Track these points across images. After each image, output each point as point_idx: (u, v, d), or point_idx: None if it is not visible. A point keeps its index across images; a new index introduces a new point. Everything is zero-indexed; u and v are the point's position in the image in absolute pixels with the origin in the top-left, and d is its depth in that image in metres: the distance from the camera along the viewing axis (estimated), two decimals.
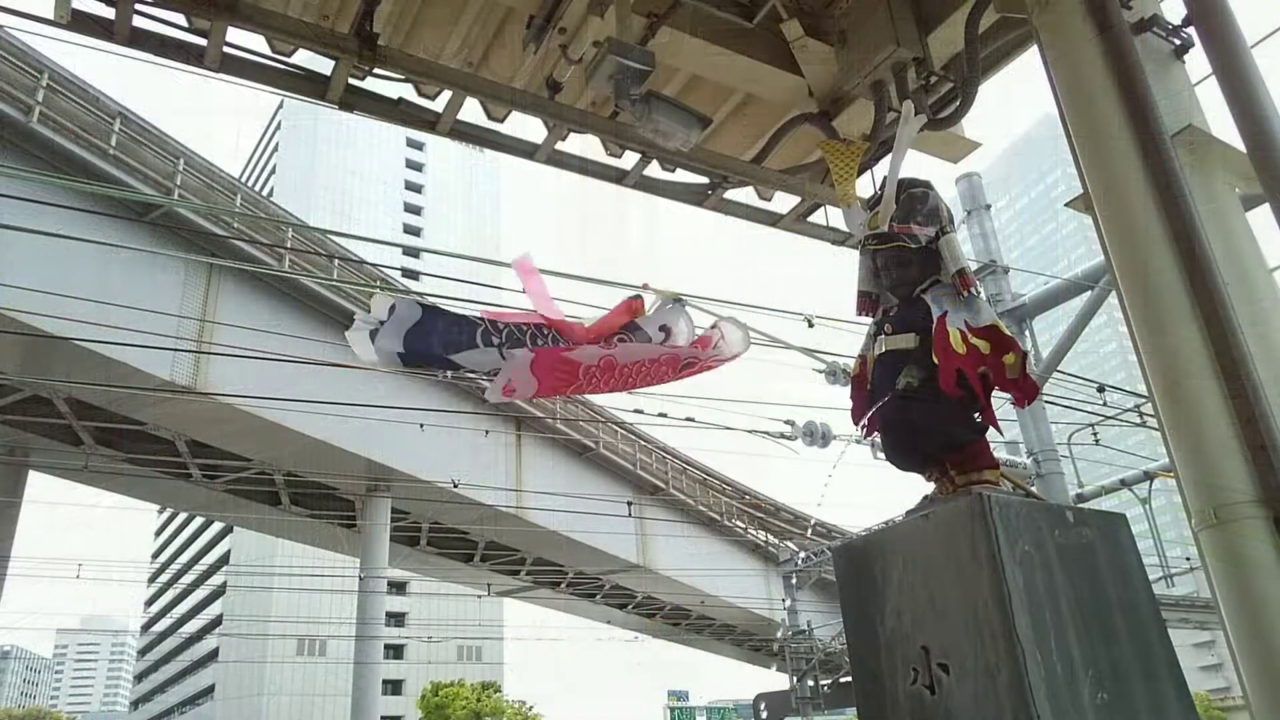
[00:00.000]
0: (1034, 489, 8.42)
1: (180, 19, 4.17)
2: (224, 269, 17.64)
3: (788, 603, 25.66)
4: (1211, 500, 2.77)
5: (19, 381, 16.86)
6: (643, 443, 28.90)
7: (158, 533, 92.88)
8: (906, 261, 3.07)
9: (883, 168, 4.93)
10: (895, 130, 4.87)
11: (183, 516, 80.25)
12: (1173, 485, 3.15)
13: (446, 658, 60.97)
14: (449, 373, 21.46)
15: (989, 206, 12.29)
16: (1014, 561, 2.39)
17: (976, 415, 2.94)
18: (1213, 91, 3.15)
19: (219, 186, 18.40)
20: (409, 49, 4.72)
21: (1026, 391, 2.92)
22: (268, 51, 4.46)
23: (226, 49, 4.28)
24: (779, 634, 27.39)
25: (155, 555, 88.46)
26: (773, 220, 5.88)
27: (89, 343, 14.52)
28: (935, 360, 2.84)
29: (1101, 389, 12.74)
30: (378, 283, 22.64)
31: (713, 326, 3.62)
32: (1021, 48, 4.61)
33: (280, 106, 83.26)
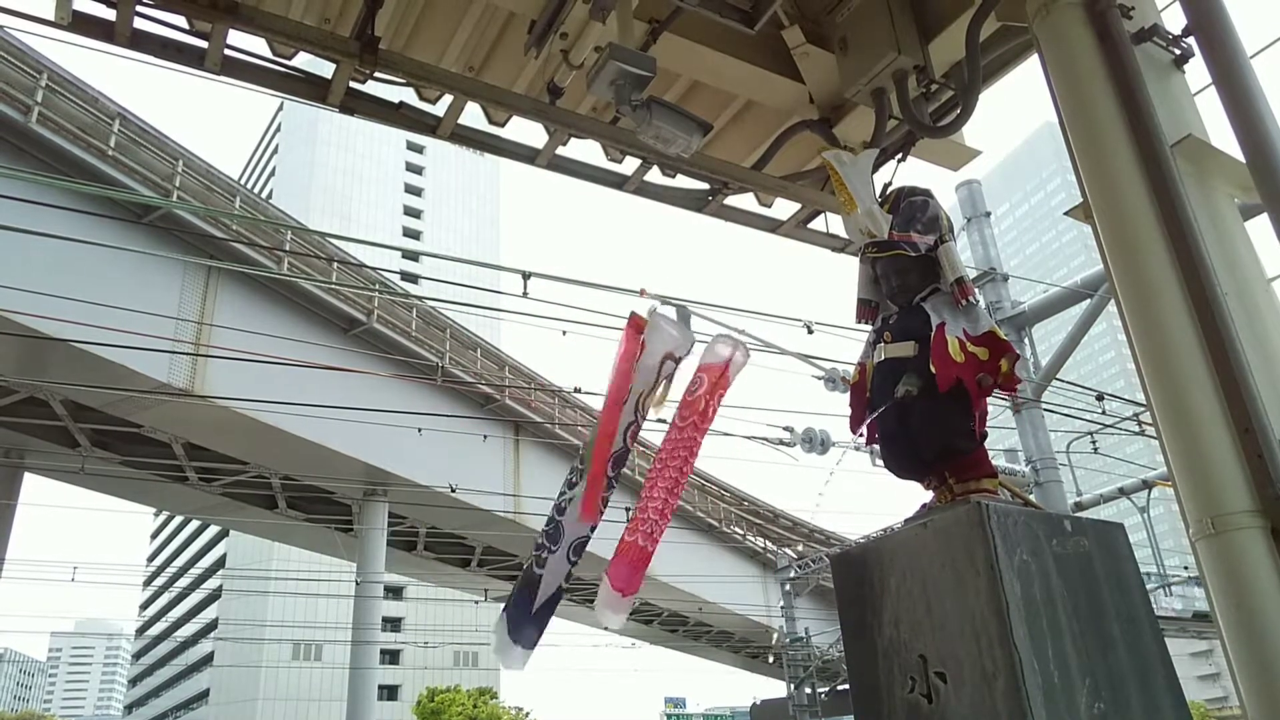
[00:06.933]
0: (1032, 497, 8.42)
1: (181, 21, 4.17)
2: (222, 271, 17.61)
3: (786, 609, 25.65)
4: (1209, 510, 2.77)
5: (15, 382, 16.81)
6: (640, 448, 28.85)
7: (153, 536, 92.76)
8: (906, 269, 3.08)
9: (882, 176, 4.94)
10: (896, 137, 4.90)
11: (179, 520, 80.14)
12: (1171, 494, 3.14)
13: (443, 663, 60.92)
14: (442, 379, 21.44)
15: (989, 214, 12.32)
16: (1011, 570, 2.39)
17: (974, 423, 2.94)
18: (1212, 101, 3.16)
19: (218, 188, 18.36)
20: (410, 53, 4.73)
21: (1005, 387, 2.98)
22: (269, 54, 4.47)
23: (227, 51, 4.28)
24: (776, 640, 27.34)
25: (151, 558, 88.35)
26: (773, 226, 5.88)
27: (86, 344, 14.48)
28: (933, 369, 2.84)
29: (1100, 397, 12.75)
30: (376, 286, 22.63)
31: (705, 361, 3.43)
32: (1022, 56, 4.62)
33: (280, 108, 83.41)
